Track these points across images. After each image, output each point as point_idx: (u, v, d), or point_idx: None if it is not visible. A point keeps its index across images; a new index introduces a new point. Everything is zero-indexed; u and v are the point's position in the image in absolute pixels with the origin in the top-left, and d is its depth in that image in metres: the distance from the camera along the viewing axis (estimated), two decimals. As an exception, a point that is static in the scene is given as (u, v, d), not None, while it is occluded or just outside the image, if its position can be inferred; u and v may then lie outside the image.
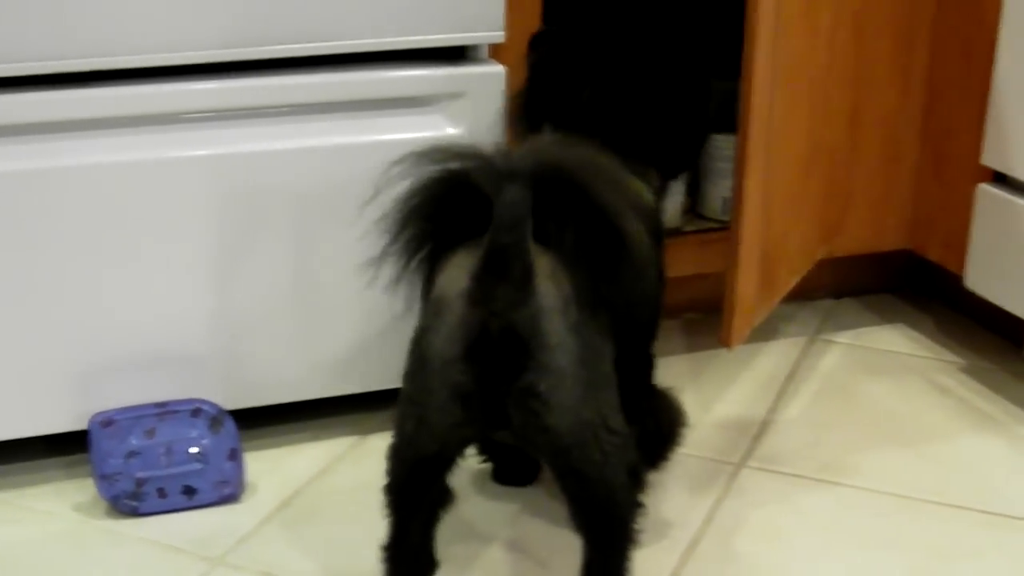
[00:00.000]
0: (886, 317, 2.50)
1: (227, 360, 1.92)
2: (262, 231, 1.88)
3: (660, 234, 1.72)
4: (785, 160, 2.02)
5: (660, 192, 1.75)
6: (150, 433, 1.83)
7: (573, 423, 1.42)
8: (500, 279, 1.34)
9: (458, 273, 1.40)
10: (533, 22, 1.99)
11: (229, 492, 1.86)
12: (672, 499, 1.90)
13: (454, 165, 1.41)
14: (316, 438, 2.02)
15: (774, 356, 2.33)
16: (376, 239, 1.43)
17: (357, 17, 1.85)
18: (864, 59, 2.22)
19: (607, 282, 1.44)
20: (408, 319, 1.55)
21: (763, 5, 1.83)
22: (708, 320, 2.39)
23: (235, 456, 1.85)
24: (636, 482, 1.54)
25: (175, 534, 1.80)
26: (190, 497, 1.84)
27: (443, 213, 1.43)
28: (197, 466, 1.84)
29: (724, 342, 2.01)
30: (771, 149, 1.95)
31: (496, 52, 1.96)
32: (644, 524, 1.59)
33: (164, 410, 1.85)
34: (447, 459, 1.49)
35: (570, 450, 1.44)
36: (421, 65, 1.91)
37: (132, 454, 1.81)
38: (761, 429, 2.09)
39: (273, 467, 1.95)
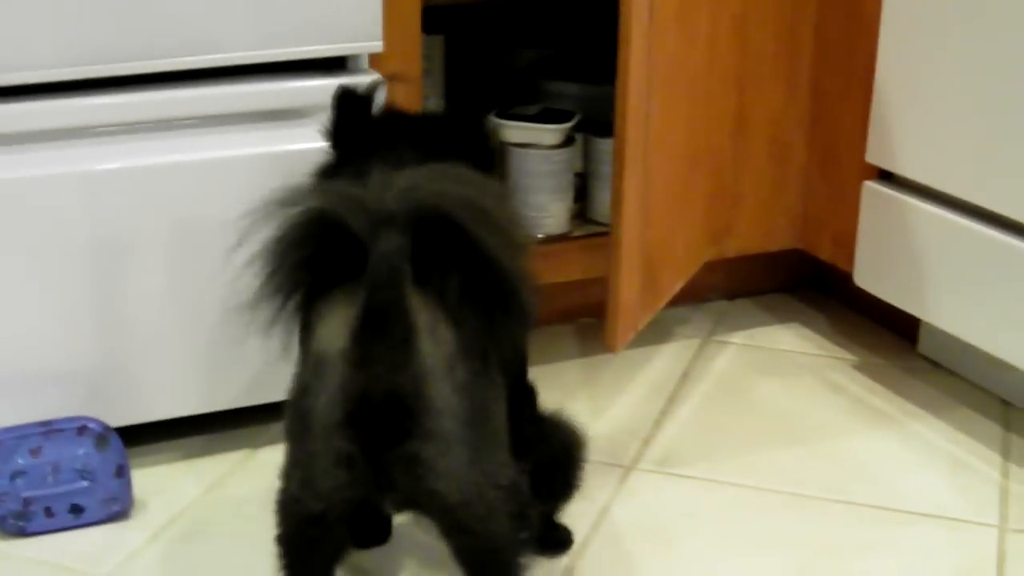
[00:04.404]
0: (780, 317, 2.51)
1: (112, 377, 1.91)
2: (145, 246, 1.87)
3: None
4: (666, 163, 2.03)
5: None
6: (35, 452, 1.81)
7: (460, 486, 1.38)
8: (379, 339, 1.29)
9: (337, 327, 1.34)
10: (413, 32, 1.99)
11: (117, 509, 1.85)
12: (562, 503, 1.90)
13: (322, 204, 1.33)
14: (205, 453, 2.01)
15: (667, 359, 2.34)
16: (247, 281, 1.37)
17: (235, 30, 1.85)
18: (748, 60, 2.24)
19: (496, 328, 1.39)
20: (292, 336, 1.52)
21: (636, 8, 1.83)
22: (601, 325, 2.38)
23: (122, 473, 1.84)
24: (523, 524, 1.48)
25: (63, 553, 1.79)
26: (78, 516, 1.83)
27: (315, 256, 1.36)
28: (84, 484, 1.82)
29: (608, 346, 2.01)
30: (650, 152, 1.95)
31: (375, 62, 1.95)
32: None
33: (49, 428, 1.83)
34: (336, 517, 1.44)
35: (456, 509, 1.41)
36: (300, 76, 1.92)
37: (18, 474, 1.80)
38: (652, 431, 2.10)
39: (162, 483, 1.94)
